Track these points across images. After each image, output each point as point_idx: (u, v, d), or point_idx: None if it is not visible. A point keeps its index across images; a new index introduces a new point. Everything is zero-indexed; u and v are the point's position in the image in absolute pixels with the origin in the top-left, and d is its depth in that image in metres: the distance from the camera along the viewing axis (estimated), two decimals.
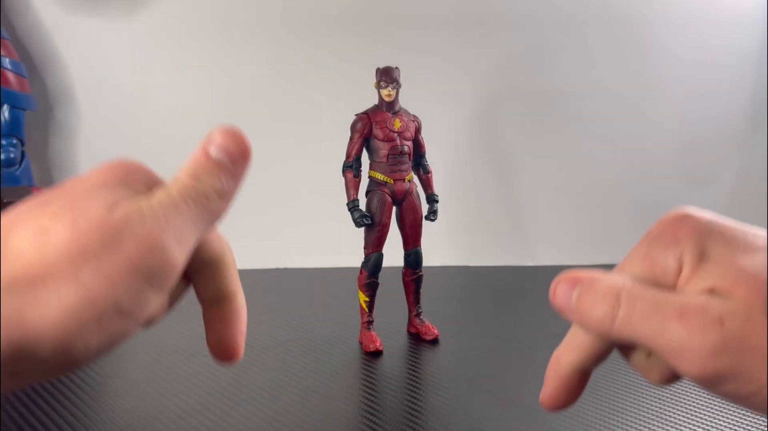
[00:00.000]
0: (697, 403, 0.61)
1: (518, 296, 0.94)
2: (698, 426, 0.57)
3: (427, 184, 0.77)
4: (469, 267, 1.13)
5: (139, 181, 0.24)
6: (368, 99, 0.74)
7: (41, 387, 0.63)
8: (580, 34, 1.05)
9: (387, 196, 0.73)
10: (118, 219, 0.21)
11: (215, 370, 0.68)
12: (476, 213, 1.12)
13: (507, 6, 1.04)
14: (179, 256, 0.23)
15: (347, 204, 0.72)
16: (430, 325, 0.77)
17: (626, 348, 0.24)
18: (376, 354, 0.72)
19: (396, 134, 0.72)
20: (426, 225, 0.76)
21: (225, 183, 0.26)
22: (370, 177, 0.74)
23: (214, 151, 0.25)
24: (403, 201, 0.74)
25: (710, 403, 0.61)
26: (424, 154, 0.77)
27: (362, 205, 0.73)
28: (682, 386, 0.65)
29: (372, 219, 0.72)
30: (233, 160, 0.25)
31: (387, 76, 0.71)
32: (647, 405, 0.61)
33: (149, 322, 0.23)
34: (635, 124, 1.10)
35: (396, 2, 1.03)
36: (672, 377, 0.23)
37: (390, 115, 0.72)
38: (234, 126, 0.25)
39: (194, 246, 0.24)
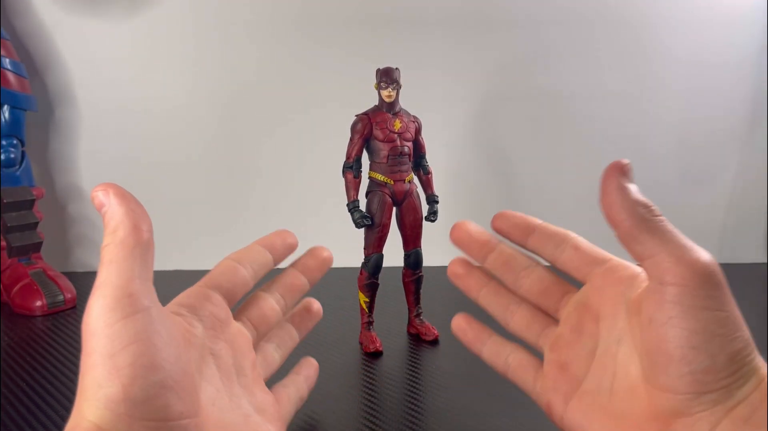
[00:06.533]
0: None
1: None
2: None
3: (427, 185, 0.77)
4: None
5: None
6: (368, 100, 0.74)
7: (41, 387, 0.63)
8: (581, 34, 1.05)
9: (387, 196, 0.73)
10: None
11: None
12: (476, 213, 1.12)
13: (507, 6, 1.04)
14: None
15: (347, 204, 0.72)
16: (430, 326, 0.77)
17: None
18: (376, 354, 0.72)
19: (396, 135, 0.72)
20: (426, 225, 0.76)
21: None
22: (370, 177, 0.74)
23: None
24: (403, 201, 0.74)
25: None
26: (424, 154, 0.77)
27: (362, 206, 0.73)
28: None
29: (372, 219, 0.72)
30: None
31: (387, 76, 0.71)
32: None
33: None
34: (635, 124, 1.10)
35: (396, 2, 1.03)
36: None
37: (390, 115, 0.72)
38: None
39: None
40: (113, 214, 0.34)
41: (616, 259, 0.43)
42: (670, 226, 0.36)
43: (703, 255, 0.34)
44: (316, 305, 0.56)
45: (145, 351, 0.31)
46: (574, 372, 0.41)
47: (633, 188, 0.38)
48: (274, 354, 0.51)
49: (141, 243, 0.34)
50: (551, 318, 0.46)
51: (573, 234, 0.46)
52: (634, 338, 0.38)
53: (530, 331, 0.46)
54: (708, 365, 0.33)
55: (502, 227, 0.47)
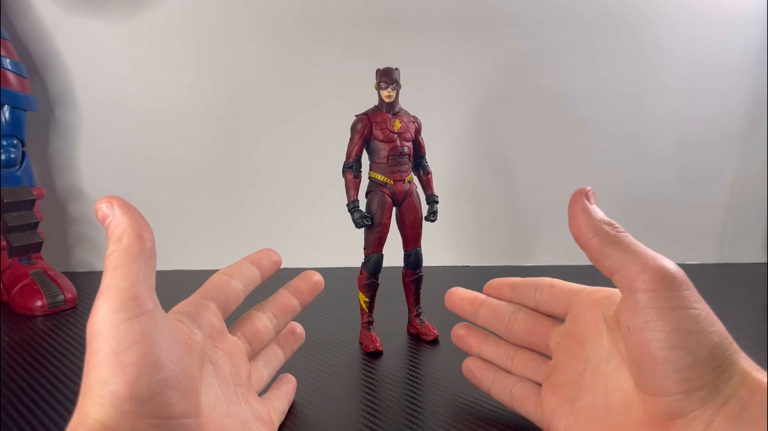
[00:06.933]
0: None
1: None
2: None
3: (427, 185, 0.77)
4: (469, 267, 1.13)
5: None
6: (368, 100, 0.74)
7: (41, 386, 0.63)
8: (581, 34, 1.06)
9: (387, 196, 0.73)
10: None
11: None
12: (476, 213, 1.13)
13: (507, 6, 1.04)
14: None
15: (347, 205, 0.72)
16: (430, 326, 0.78)
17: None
18: (376, 354, 0.72)
19: (396, 135, 0.72)
20: (426, 225, 0.76)
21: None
22: (370, 178, 0.74)
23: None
24: (403, 201, 0.74)
25: None
26: (424, 154, 0.77)
27: (362, 206, 0.73)
28: None
29: (372, 219, 0.72)
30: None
31: (387, 76, 0.71)
32: None
33: None
34: (635, 124, 1.10)
35: (396, 2, 1.03)
36: None
37: (390, 115, 0.72)
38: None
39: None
40: (118, 223, 0.35)
41: (590, 287, 0.47)
42: (633, 240, 0.38)
43: (666, 260, 0.37)
44: (299, 328, 0.62)
45: (150, 350, 0.32)
46: (568, 394, 0.44)
47: (596, 209, 0.40)
48: (263, 371, 0.54)
49: (145, 250, 0.35)
50: (545, 356, 0.51)
51: (547, 278, 0.51)
52: (620, 352, 0.40)
53: (530, 370, 0.51)
54: (690, 362, 0.34)
55: (492, 293, 0.56)
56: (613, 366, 0.40)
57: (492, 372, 0.55)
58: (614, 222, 0.40)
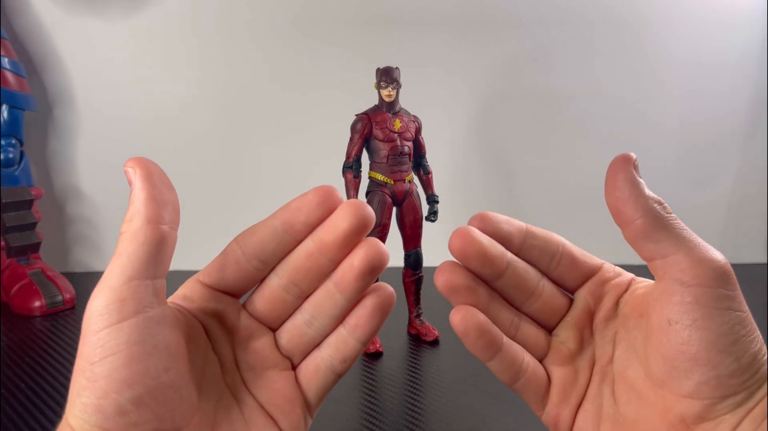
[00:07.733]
0: None
1: None
2: None
3: (427, 185, 0.77)
4: None
5: None
6: (368, 99, 0.74)
7: (40, 387, 0.63)
8: (581, 34, 1.05)
9: (387, 196, 0.72)
10: None
11: None
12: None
13: (507, 6, 1.03)
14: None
15: None
16: (431, 326, 0.77)
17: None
18: (376, 355, 0.72)
19: (396, 135, 0.72)
20: (426, 225, 0.76)
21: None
22: (370, 177, 0.74)
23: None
24: (403, 201, 0.74)
25: None
26: (424, 154, 0.77)
27: None
28: None
29: None
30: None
31: (387, 76, 0.71)
32: None
33: None
34: (635, 124, 1.10)
35: (396, 2, 1.02)
36: None
37: (390, 115, 0.72)
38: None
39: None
40: (134, 198, 0.31)
41: (607, 264, 0.42)
42: (682, 224, 0.34)
43: (718, 254, 0.33)
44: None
45: (124, 364, 0.29)
46: (577, 382, 0.40)
47: (644, 183, 0.34)
48: (307, 329, 0.38)
49: (153, 238, 0.31)
50: (550, 332, 0.42)
51: (563, 241, 0.41)
52: (632, 342, 0.37)
53: (536, 348, 0.40)
54: (735, 368, 0.32)
55: (489, 229, 0.39)
56: (618, 353, 0.38)
57: (500, 336, 0.38)
58: (663, 201, 0.34)
